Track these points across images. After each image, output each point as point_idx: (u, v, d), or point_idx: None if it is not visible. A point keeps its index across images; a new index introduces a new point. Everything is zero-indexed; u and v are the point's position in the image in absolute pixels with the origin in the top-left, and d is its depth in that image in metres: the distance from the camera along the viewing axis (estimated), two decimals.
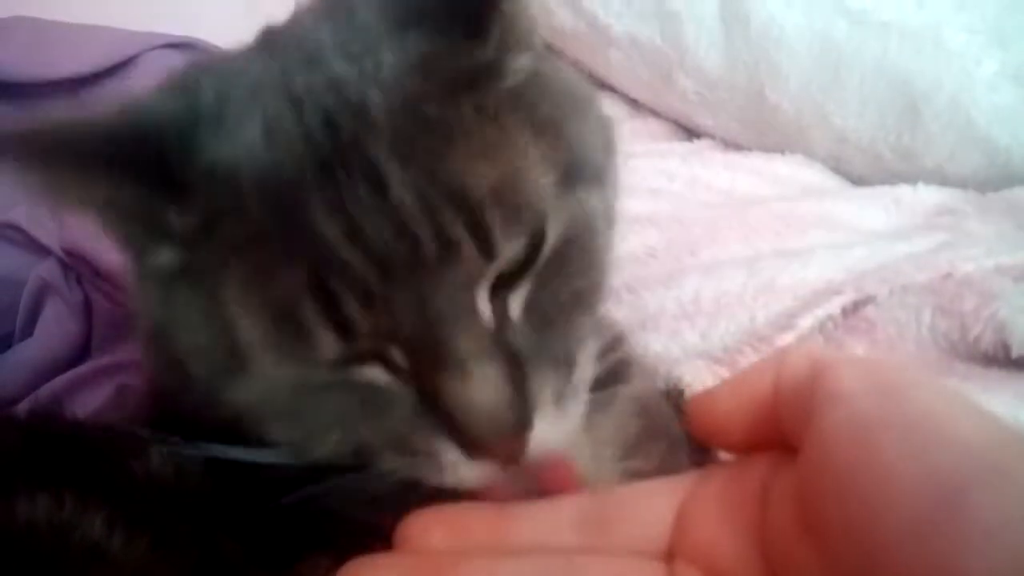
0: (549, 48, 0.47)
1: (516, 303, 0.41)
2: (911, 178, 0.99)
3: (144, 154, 0.39)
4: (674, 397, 0.63)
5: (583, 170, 0.43)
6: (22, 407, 0.49)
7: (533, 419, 0.39)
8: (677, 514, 0.40)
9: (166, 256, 0.41)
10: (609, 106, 1.24)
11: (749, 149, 1.13)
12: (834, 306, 0.69)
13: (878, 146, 1.04)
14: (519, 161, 0.40)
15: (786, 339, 0.67)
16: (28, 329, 0.89)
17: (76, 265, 0.90)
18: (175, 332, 0.42)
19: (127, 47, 1.07)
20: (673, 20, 1.13)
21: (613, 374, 0.51)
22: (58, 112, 0.39)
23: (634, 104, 1.26)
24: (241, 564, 0.41)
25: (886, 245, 0.80)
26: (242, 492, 0.42)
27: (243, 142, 0.39)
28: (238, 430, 0.42)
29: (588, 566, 0.39)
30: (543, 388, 0.40)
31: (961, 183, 0.99)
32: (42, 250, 0.92)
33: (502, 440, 0.38)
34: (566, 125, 0.43)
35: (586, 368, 0.43)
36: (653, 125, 1.23)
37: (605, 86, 1.28)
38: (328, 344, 0.38)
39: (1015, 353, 0.60)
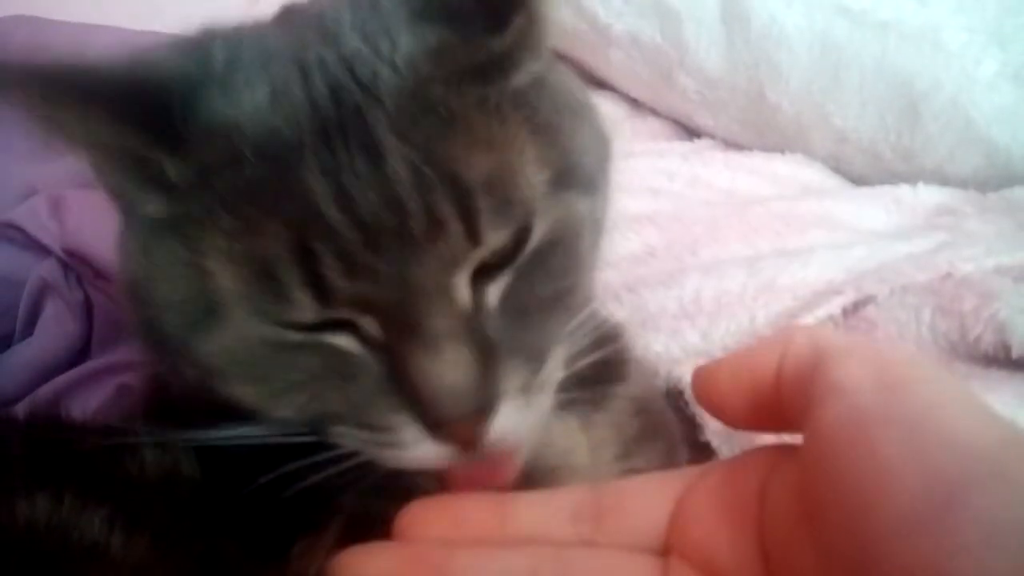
0: (556, 54, 0.48)
1: (494, 293, 0.41)
2: (911, 178, 1.00)
3: (148, 103, 0.39)
4: (674, 397, 0.63)
5: (575, 175, 0.44)
6: (21, 407, 0.48)
7: (497, 405, 0.39)
8: (674, 509, 0.40)
9: (154, 206, 0.42)
10: (610, 105, 1.25)
11: (749, 149, 1.13)
12: (834, 306, 0.69)
13: (878, 146, 1.04)
14: (515, 156, 0.41)
15: None
16: (28, 329, 0.89)
17: (76, 265, 0.90)
18: (154, 284, 0.42)
19: (128, 46, 1.06)
20: (673, 19, 1.13)
21: (610, 372, 0.51)
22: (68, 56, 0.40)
23: (634, 103, 1.26)
24: (241, 560, 0.41)
25: (886, 245, 0.80)
26: (232, 480, 0.42)
27: (248, 103, 0.39)
28: (213, 398, 0.42)
29: (581, 560, 0.39)
30: (510, 377, 0.40)
31: (961, 183, 0.99)
32: (42, 250, 0.92)
33: (463, 421, 0.39)
34: (563, 130, 0.44)
35: (555, 368, 0.44)
36: (653, 124, 1.23)
37: (606, 85, 1.28)
38: (304, 305, 0.38)
39: (1015, 353, 0.60)
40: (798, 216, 0.90)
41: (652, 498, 0.41)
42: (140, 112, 0.39)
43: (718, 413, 0.41)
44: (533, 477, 0.46)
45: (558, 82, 0.46)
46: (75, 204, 0.93)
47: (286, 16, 0.47)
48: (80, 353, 0.86)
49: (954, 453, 0.29)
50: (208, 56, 0.41)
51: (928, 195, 0.96)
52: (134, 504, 0.40)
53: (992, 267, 0.68)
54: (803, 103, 1.06)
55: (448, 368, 0.38)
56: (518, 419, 0.41)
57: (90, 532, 0.39)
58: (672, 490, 0.41)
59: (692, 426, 0.61)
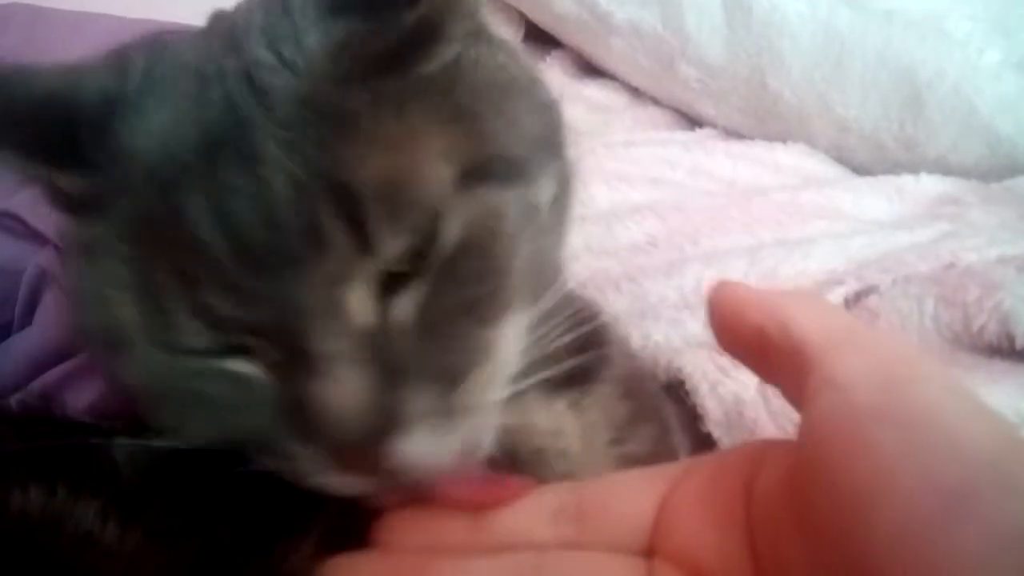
0: (488, 30, 0.45)
1: (404, 306, 0.38)
2: (914, 167, 0.99)
3: (53, 119, 0.39)
4: (675, 388, 0.63)
5: (495, 166, 0.40)
6: (16, 398, 0.48)
7: (402, 430, 0.36)
8: (659, 509, 0.39)
9: (72, 226, 0.41)
10: (610, 94, 1.25)
11: (751, 138, 1.12)
12: (836, 296, 0.69)
13: (881, 135, 1.03)
14: (415, 154, 0.38)
15: None
16: (26, 318, 0.88)
17: None
18: (78, 307, 0.42)
19: (124, 35, 1.06)
20: (675, 8, 1.13)
21: (592, 357, 0.51)
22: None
23: (635, 92, 1.26)
24: (235, 555, 0.41)
25: (888, 235, 0.80)
26: (220, 475, 0.42)
27: (151, 124, 0.38)
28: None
29: (563, 564, 0.39)
30: (420, 398, 0.37)
31: (964, 173, 0.99)
32: (41, 239, 0.92)
33: (359, 449, 0.36)
34: (483, 118, 0.41)
35: (490, 385, 0.40)
36: (654, 113, 1.23)
37: (606, 74, 1.27)
38: (192, 333, 0.37)
39: (1019, 344, 0.60)
40: (800, 206, 0.90)
41: (636, 497, 0.40)
42: (40, 131, 0.39)
43: (716, 330, 0.41)
44: (518, 460, 0.45)
45: (483, 60, 0.43)
46: None
47: (212, 24, 0.45)
48: (79, 343, 0.86)
49: (956, 456, 0.29)
50: (126, 75, 0.40)
51: (931, 185, 0.96)
52: (128, 497, 0.40)
53: (995, 257, 0.67)
54: (805, 92, 1.06)
55: (340, 392, 0.36)
56: (433, 443, 0.37)
57: (84, 523, 0.38)
58: (656, 488, 0.40)
59: (693, 417, 0.61)
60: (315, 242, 0.36)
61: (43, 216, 0.91)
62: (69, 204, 0.41)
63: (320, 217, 0.35)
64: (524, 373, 0.42)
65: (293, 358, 0.37)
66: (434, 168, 0.38)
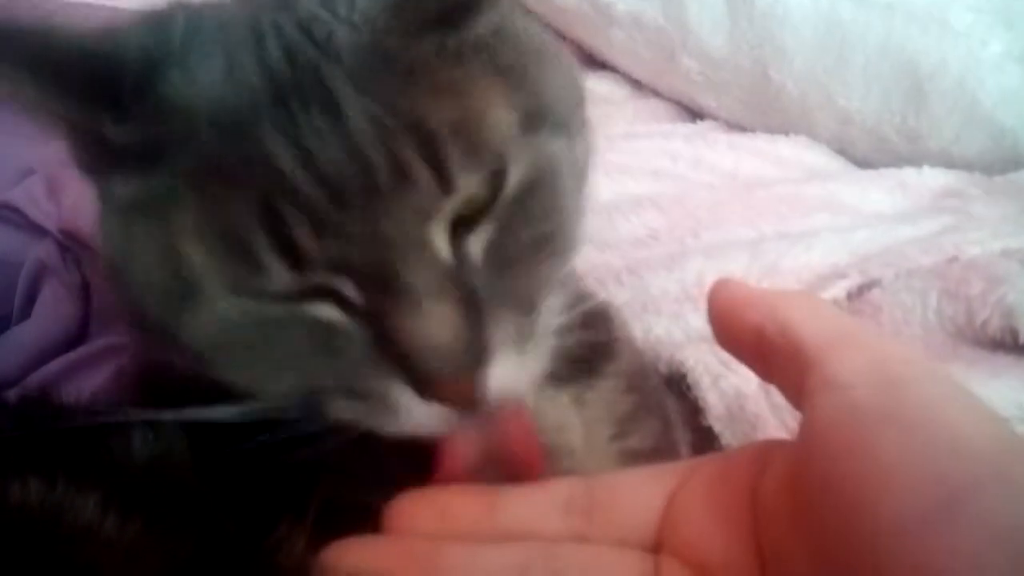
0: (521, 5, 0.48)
1: (477, 244, 0.40)
2: (916, 160, 0.99)
3: (97, 74, 0.39)
4: (676, 381, 0.63)
5: (547, 116, 0.42)
6: (16, 391, 0.48)
7: (490, 360, 0.38)
8: (666, 506, 0.40)
9: (120, 187, 0.41)
10: (611, 86, 1.24)
11: (753, 130, 1.12)
12: (839, 290, 0.69)
13: (883, 128, 1.03)
14: (480, 101, 0.40)
15: None
16: (26, 311, 0.89)
17: (74, 246, 0.89)
18: (131, 268, 0.42)
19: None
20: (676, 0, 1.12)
21: (598, 351, 0.51)
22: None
23: (636, 84, 1.25)
24: (236, 543, 0.41)
25: (891, 228, 0.80)
26: (221, 460, 0.42)
27: (203, 76, 0.39)
28: (204, 380, 0.41)
29: (572, 556, 0.39)
30: (501, 330, 0.39)
31: (967, 166, 0.98)
32: (40, 231, 0.92)
33: (456, 379, 0.37)
34: (530, 72, 0.43)
35: (549, 317, 0.43)
36: (656, 106, 1.22)
37: (607, 66, 1.27)
38: (279, 274, 0.37)
39: (1022, 338, 0.60)
40: (802, 199, 0.90)
41: (644, 493, 0.41)
42: (87, 81, 0.39)
43: (715, 329, 0.42)
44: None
45: (520, 28, 0.45)
46: (73, 185, 0.92)
47: None
48: (78, 335, 0.86)
49: (955, 454, 0.29)
50: (168, 31, 0.41)
51: (933, 178, 0.96)
52: (127, 487, 0.40)
53: (999, 250, 0.67)
54: (807, 84, 1.05)
55: (433, 325, 0.37)
56: (515, 371, 0.39)
57: (84, 515, 0.38)
58: (664, 485, 0.41)
59: (694, 411, 0.61)
60: (401, 179, 0.37)
61: (41, 208, 0.91)
62: (114, 159, 0.40)
63: (405, 155, 0.37)
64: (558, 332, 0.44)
65: (379, 295, 0.38)
66: (499, 113, 0.40)
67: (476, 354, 0.38)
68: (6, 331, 0.87)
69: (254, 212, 0.37)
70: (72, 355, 0.80)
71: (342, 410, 0.40)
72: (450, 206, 0.38)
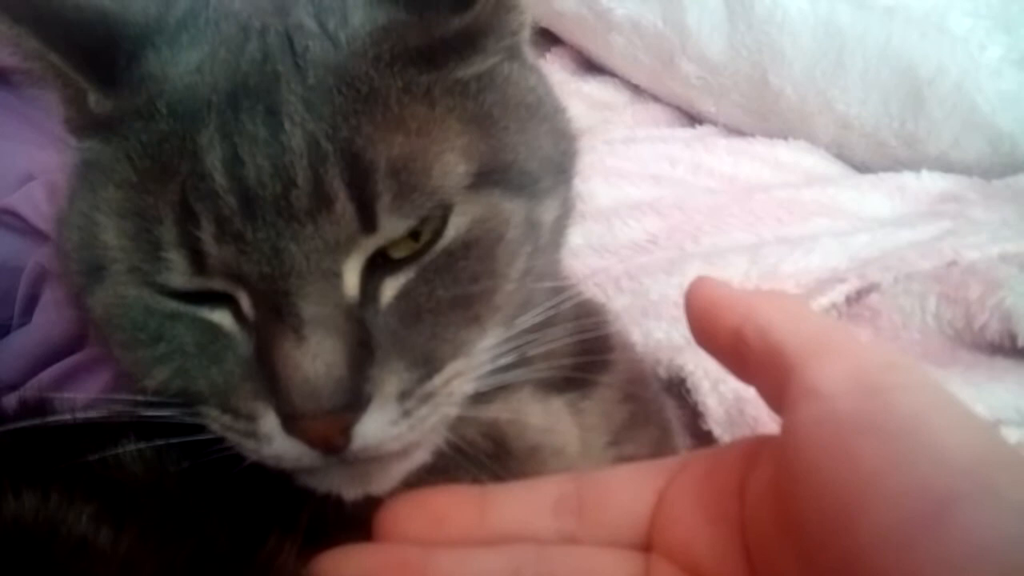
0: (535, 46, 0.47)
1: (391, 288, 0.39)
2: (915, 165, 0.99)
3: (94, 37, 0.39)
4: (676, 385, 0.63)
5: (509, 174, 0.41)
6: (13, 398, 0.48)
7: (364, 408, 0.37)
8: (655, 505, 0.40)
9: (85, 151, 0.41)
10: (611, 91, 1.25)
11: (752, 135, 1.12)
12: (838, 294, 0.69)
13: (882, 132, 1.03)
14: (436, 144, 0.39)
15: None
16: (26, 316, 0.88)
17: None
18: (65, 228, 0.42)
19: None
20: (675, 4, 1.12)
21: (595, 360, 0.51)
22: None
23: (636, 89, 1.25)
24: (229, 554, 0.41)
25: (890, 232, 0.80)
26: (211, 472, 0.42)
27: (183, 61, 0.39)
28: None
29: (562, 559, 0.39)
30: (387, 382, 0.37)
31: (965, 170, 0.99)
32: (41, 236, 0.92)
33: (322, 419, 0.36)
34: (504, 127, 0.42)
35: (454, 381, 0.40)
36: (655, 110, 1.23)
37: (607, 71, 1.27)
38: (177, 268, 0.37)
39: (1021, 342, 0.60)
40: (801, 203, 0.90)
41: (634, 492, 0.41)
42: (87, 42, 0.39)
43: (693, 327, 0.41)
44: (512, 455, 0.46)
45: (516, 77, 0.44)
46: None
47: None
48: (78, 340, 0.86)
49: (940, 465, 0.29)
50: (168, 8, 0.41)
51: (932, 182, 0.96)
52: (121, 499, 0.40)
53: (997, 254, 0.67)
54: (806, 89, 1.06)
55: (311, 357, 0.36)
56: (389, 428, 0.37)
57: (78, 528, 0.38)
58: (654, 483, 0.40)
59: (694, 415, 0.61)
60: (322, 206, 0.36)
61: (41, 213, 0.91)
62: (91, 125, 0.41)
63: (332, 182, 0.36)
64: (504, 369, 0.42)
65: (273, 317, 0.37)
66: (451, 161, 0.39)
67: (349, 399, 0.36)
68: (6, 335, 0.87)
69: (170, 202, 0.37)
70: (72, 360, 0.80)
71: (213, 420, 0.39)
72: (371, 243, 0.38)
